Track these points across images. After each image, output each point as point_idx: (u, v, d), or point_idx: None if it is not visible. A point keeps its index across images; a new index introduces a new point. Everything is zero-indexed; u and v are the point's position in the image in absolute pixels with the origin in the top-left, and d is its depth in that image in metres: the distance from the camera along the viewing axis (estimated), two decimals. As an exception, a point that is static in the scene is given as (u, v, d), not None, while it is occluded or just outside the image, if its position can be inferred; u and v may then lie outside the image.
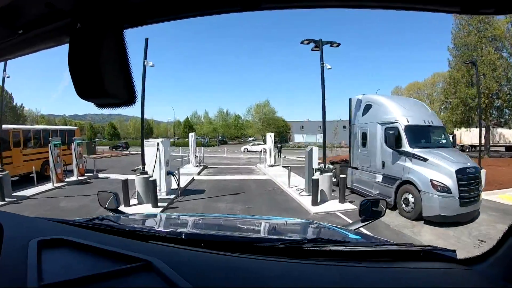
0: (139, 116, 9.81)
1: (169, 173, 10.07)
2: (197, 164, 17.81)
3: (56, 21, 0.75)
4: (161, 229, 1.82)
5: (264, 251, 1.12)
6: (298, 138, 60.21)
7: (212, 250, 1.05)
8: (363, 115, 10.13)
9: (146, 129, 74.40)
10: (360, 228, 2.17)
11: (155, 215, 2.74)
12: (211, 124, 66.85)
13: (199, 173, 15.81)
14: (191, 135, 18.63)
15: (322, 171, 9.40)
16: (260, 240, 1.37)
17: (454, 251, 1.13)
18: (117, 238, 1.12)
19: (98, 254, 0.90)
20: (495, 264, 0.92)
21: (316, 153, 10.44)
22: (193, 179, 13.81)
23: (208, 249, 1.08)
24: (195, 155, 18.07)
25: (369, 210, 2.13)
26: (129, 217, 2.35)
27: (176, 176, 10.26)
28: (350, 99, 11.06)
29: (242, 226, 2.19)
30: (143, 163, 9.42)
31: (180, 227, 2.09)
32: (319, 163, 10.25)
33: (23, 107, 53.29)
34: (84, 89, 0.68)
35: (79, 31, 0.67)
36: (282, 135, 58.58)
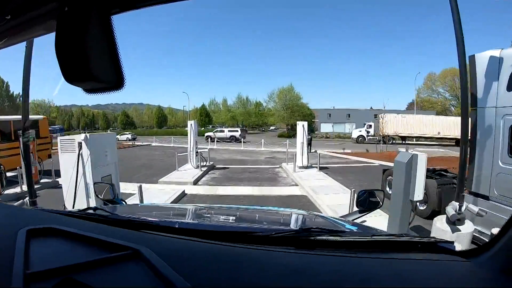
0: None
1: (109, 202, 4.74)
2: (198, 164, 12.52)
3: (44, 4, 0.76)
4: (155, 218, 1.59)
5: (258, 241, 1.05)
6: (325, 128, 53.80)
7: (204, 239, 1.00)
8: (510, 89, 4.63)
9: (161, 117, 71.85)
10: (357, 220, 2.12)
11: (151, 206, 2.76)
12: (229, 111, 61.66)
13: (197, 181, 10.57)
14: (190, 124, 13.24)
15: (458, 218, 3.81)
16: (255, 230, 1.28)
17: (452, 243, 1.11)
18: (109, 227, 1.09)
19: (88, 242, 0.87)
20: (494, 256, 0.88)
21: (424, 166, 4.83)
22: (183, 195, 8.59)
23: (201, 238, 1.01)
24: (196, 152, 12.77)
25: (367, 201, 2.13)
26: (124, 207, 2.33)
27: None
28: (471, 59, 5.30)
29: (238, 216, 2.10)
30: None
31: (175, 216, 2.03)
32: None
33: (20, 95, 51.21)
34: (70, 73, 0.68)
35: (66, 14, 0.67)
36: (308, 124, 52.53)
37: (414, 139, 35.08)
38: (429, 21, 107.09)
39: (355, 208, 2.26)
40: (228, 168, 13.96)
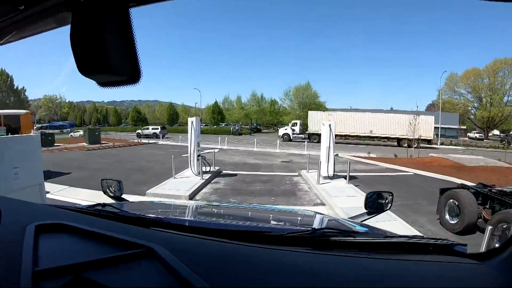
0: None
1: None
2: (200, 170, 10.29)
3: None
4: (166, 216, 1.65)
5: (271, 241, 1.05)
6: (342, 128, 51.47)
7: (216, 238, 1.00)
8: None
9: (172, 114, 70.45)
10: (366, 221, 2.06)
11: (160, 203, 2.75)
12: (243, 109, 59.45)
13: (194, 195, 8.34)
14: (191, 121, 10.83)
15: None
16: (267, 230, 1.29)
17: (465, 245, 1.09)
18: (119, 224, 1.09)
19: (98, 239, 0.86)
20: (507, 259, 0.86)
21: None
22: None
23: (214, 237, 1.01)
24: (198, 155, 10.56)
25: (375, 203, 2.14)
26: (133, 204, 2.32)
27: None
28: None
29: (250, 215, 2.16)
30: None
31: (185, 214, 2.02)
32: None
33: (25, 89, 53.39)
34: (86, 65, 0.67)
35: (82, 5, 0.66)
36: (325, 124, 49.86)
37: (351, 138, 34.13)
38: (452, 20, 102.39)
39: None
40: (236, 175, 11.68)
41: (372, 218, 2.12)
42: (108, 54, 0.65)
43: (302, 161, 15.92)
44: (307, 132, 34.85)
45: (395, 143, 30.97)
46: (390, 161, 16.62)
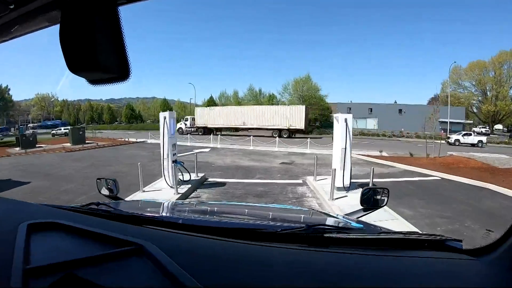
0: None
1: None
2: (179, 179, 7.92)
3: None
4: (159, 214, 1.68)
5: (264, 238, 1.04)
6: (345, 123, 49.11)
7: (208, 236, 0.99)
8: None
9: (166, 111, 67.21)
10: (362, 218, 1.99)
11: (155, 202, 2.76)
12: (240, 104, 56.86)
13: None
14: (163, 116, 8.14)
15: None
16: (260, 227, 1.28)
17: (460, 241, 1.08)
18: (112, 222, 1.09)
19: (90, 237, 0.87)
20: (502, 255, 0.87)
21: None
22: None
23: (206, 234, 1.01)
24: (174, 161, 8.03)
25: (371, 199, 2.08)
26: (128, 203, 2.32)
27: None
28: None
29: (244, 213, 2.10)
30: None
31: (179, 212, 1.97)
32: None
33: (9, 89, 51.98)
34: (75, 63, 0.66)
35: (71, 3, 0.66)
36: (326, 119, 47.34)
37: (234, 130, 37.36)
38: (456, 10, 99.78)
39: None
40: (224, 184, 9.19)
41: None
42: (97, 51, 0.64)
43: (306, 162, 13.58)
44: (195, 126, 37.98)
45: (269, 134, 32.25)
46: (407, 161, 14.22)
